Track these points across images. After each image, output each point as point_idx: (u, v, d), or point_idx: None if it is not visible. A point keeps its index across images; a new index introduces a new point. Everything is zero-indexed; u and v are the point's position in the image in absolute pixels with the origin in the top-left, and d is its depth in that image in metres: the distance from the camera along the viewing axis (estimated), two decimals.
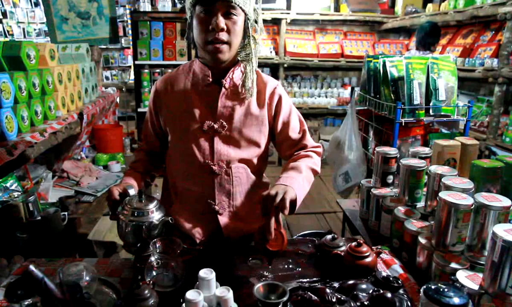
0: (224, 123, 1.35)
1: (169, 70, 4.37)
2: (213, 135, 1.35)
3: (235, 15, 1.22)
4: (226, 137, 1.36)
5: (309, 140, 1.46)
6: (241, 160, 1.39)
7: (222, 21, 1.20)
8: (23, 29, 7.25)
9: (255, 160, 1.42)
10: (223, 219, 1.41)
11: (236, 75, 1.36)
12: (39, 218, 1.89)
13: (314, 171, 1.38)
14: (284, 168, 1.36)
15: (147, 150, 1.54)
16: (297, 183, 1.24)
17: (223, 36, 1.22)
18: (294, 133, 1.43)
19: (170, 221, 1.20)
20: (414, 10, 5.16)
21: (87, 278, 1.07)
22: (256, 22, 1.35)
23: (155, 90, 1.44)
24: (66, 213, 2.03)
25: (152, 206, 1.20)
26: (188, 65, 1.43)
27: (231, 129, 1.36)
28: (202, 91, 1.36)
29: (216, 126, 1.34)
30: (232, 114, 1.35)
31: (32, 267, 0.91)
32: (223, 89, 1.35)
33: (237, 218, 1.43)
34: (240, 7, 1.22)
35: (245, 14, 1.27)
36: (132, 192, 1.27)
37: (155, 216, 1.19)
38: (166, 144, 1.48)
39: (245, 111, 1.36)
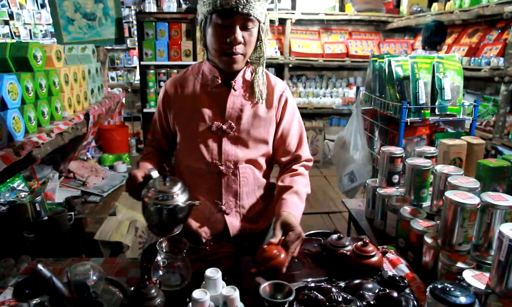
0: (233, 124, 1.35)
1: (175, 71, 4.38)
2: (222, 136, 1.36)
3: (252, 27, 1.23)
4: (234, 138, 1.36)
5: (305, 151, 1.48)
6: (249, 161, 1.39)
7: (240, 34, 1.20)
8: (30, 30, 7.31)
9: (262, 161, 1.42)
10: (230, 219, 1.41)
11: (245, 77, 1.37)
12: (46, 218, 1.90)
13: (307, 194, 1.44)
14: (285, 187, 1.38)
15: (156, 147, 1.54)
16: (299, 212, 1.34)
17: (240, 49, 1.23)
18: (292, 140, 1.44)
19: (198, 204, 1.16)
20: (419, 9, 5.13)
21: (94, 278, 1.08)
22: (263, 23, 1.35)
23: (164, 91, 1.44)
24: (72, 213, 2.04)
25: (177, 188, 1.14)
26: (197, 66, 1.43)
27: (240, 130, 1.36)
28: (211, 92, 1.36)
29: (224, 127, 1.35)
30: (240, 115, 1.35)
31: (40, 266, 0.92)
32: (232, 91, 1.35)
33: (244, 218, 1.43)
34: (257, 19, 1.23)
35: (259, 22, 1.26)
36: (155, 174, 1.21)
37: (180, 198, 1.14)
38: (174, 144, 1.49)
39: (254, 112, 1.37)
